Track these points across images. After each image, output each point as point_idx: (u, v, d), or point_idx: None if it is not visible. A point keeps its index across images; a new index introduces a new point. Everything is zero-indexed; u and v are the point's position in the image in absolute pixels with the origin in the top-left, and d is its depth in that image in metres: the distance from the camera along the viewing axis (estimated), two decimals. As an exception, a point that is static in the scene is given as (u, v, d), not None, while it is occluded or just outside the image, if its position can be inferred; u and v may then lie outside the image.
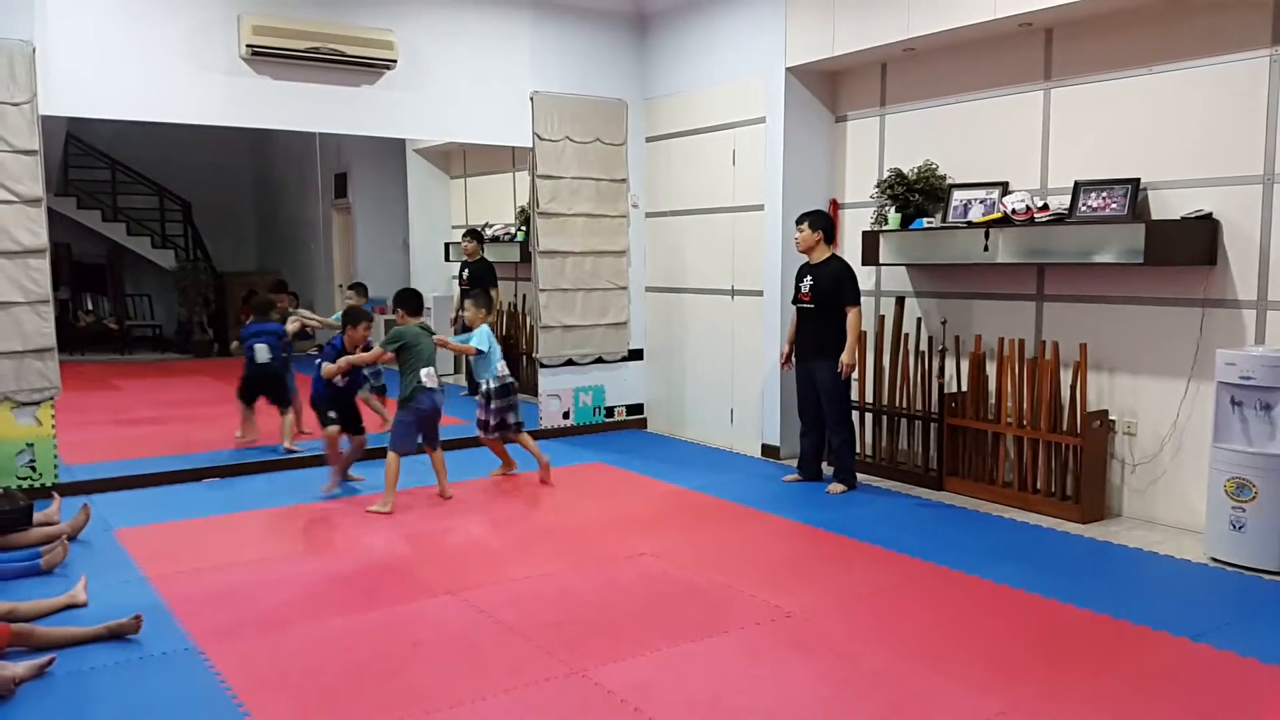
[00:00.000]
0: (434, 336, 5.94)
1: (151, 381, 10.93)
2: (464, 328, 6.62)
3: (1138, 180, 5.14)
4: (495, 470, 6.52)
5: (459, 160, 11.28)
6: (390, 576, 4.52)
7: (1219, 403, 4.67)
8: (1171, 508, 5.25)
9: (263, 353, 6.95)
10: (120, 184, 14.27)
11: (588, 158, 7.70)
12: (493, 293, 9.25)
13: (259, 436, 7.07)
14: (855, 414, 6.35)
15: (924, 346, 6.31)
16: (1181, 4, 5.04)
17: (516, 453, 6.55)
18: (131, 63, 6.05)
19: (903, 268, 6.41)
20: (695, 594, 4.26)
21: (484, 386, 6.24)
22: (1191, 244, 4.92)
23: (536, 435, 7.68)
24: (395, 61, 6.78)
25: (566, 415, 7.90)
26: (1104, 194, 5.20)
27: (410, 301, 5.93)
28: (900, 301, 6.41)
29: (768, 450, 7.09)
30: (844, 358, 5.86)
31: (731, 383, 7.44)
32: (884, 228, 6.20)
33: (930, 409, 6.18)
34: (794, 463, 6.49)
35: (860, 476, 6.24)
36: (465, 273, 9.39)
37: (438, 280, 10.95)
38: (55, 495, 5.45)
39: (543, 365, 7.75)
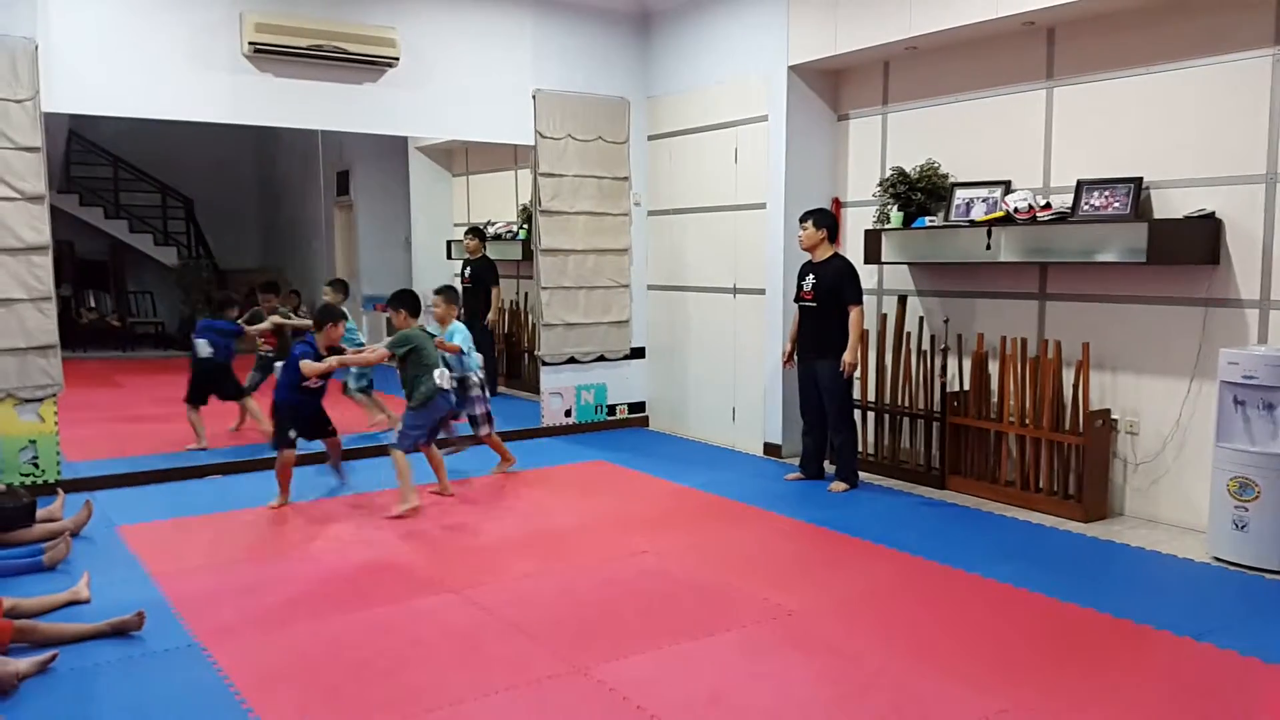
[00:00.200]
0: (434, 339, 5.90)
1: (153, 379, 10.93)
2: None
3: (1140, 179, 5.13)
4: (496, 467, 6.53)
5: (461, 158, 11.28)
6: (392, 574, 4.52)
7: (1222, 402, 4.66)
8: (1174, 507, 5.25)
9: (203, 348, 6.98)
10: (123, 181, 14.29)
11: (590, 156, 7.69)
12: (494, 290, 9.28)
13: (207, 444, 6.96)
14: (857, 412, 6.35)
15: (926, 345, 6.31)
16: (1184, 3, 5.03)
17: (519, 450, 6.54)
18: (134, 60, 6.05)
19: (905, 266, 6.41)
20: (697, 592, 4.26)
21: (472, 379, 6.23)
22: (1194, 243, 4.92)
23: (538, 434, 7.72)
24: (397, 59, 6.78)
25: (568, 413, 7.90)
26: (1106, 193, 5.20)
27: (413, 303, 5.86)
28: (902, 300, 6.41)
29: (770, 449, 7.09)
30: (846, 357, 5.85)
31: (733, 381, 7.44)
32: (886, 226, 6.20)
33: (932, 408, 6.18)
34: (796, 461, 6.49)
35: (862, 475, 6.24)
36: (467, 270, 9.39)
37: (439, 278, 10.93)
38: (60, 492, 5.45)
39: (545, 363, 7.75)
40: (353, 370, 7.27)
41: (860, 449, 6.40)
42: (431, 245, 11.23)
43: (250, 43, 6.26)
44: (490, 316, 9.30)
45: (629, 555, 4.78)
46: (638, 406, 8.26)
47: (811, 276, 5.98)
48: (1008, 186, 5.78)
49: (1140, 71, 5.23)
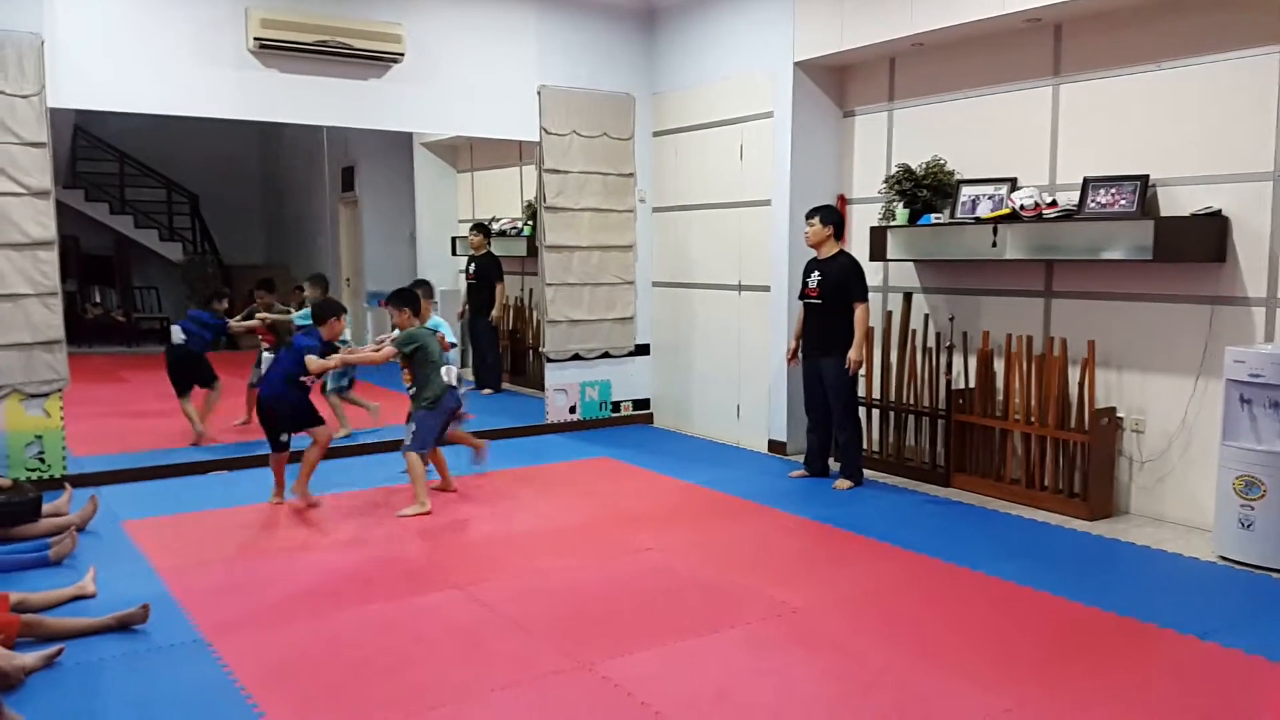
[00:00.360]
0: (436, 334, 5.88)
1: (159, 374, 10.84)
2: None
3: (1147, 176, 5.12)
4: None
5: (466, 154, 11.28)
6: (396, 570, 4.53)
7: (1228, 400, 4.65)
8: (1180, 505, 5.23)
9: (176, 333, 7.14)
10: (128, 177, 14.32)
11: (595, 152, 7.69)
12: (499, 287, 9.27)
13: (203, 432, 7.03)
14: (862, 410, 6.34)
15: (931, 343, 6.30)
16: (1191, 0, 5.01)
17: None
18: (140, 55, 6.06)
19: (910, 264, 6.40)
20: (701, 589, 4.26)
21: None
22: (1201, 241, 4.90)
23: (543, 430, 7.72)
24: (403, 55, 6.78)
25: (573, 410, 7.90)
26: (1113, 190, 5.18)
27: (416, 302, 5.77)
28: (908, 297, 6.40)
29: (774, 446, 7.09)
30: (852, 354, 5.84)
31: (738, 378, 7.43)
32: (892, 223, 6.18)
33: (937, 405, 6.17)
34: (800, 458, 6.49)
35: (867, 473, 6.23)
36: (472, 266, 9.39)
37: (444, 274, 10.95)
38: (67, 486, 5.46)
39: (549, 360, 7.75)
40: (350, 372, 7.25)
41: (865, 446, 6.39)
42: (436, 241, 11.23)
43: (256, 38, 6.26)
44: (495, 313, 9.30)
45: (633, 552, 4.78)
46: (642, 403, 8.26)
47: (817, 273, 5.97)
48: (1014, 184, 5.76)
49: (1147, 69, 5.21)
